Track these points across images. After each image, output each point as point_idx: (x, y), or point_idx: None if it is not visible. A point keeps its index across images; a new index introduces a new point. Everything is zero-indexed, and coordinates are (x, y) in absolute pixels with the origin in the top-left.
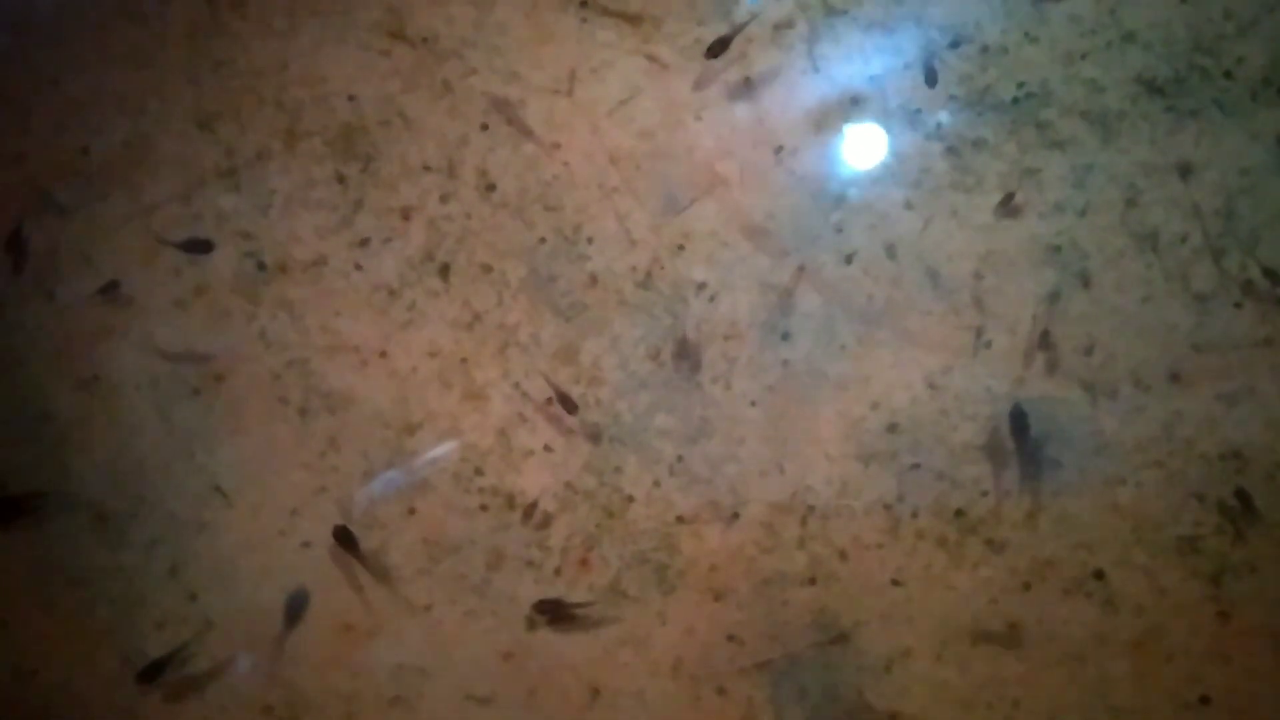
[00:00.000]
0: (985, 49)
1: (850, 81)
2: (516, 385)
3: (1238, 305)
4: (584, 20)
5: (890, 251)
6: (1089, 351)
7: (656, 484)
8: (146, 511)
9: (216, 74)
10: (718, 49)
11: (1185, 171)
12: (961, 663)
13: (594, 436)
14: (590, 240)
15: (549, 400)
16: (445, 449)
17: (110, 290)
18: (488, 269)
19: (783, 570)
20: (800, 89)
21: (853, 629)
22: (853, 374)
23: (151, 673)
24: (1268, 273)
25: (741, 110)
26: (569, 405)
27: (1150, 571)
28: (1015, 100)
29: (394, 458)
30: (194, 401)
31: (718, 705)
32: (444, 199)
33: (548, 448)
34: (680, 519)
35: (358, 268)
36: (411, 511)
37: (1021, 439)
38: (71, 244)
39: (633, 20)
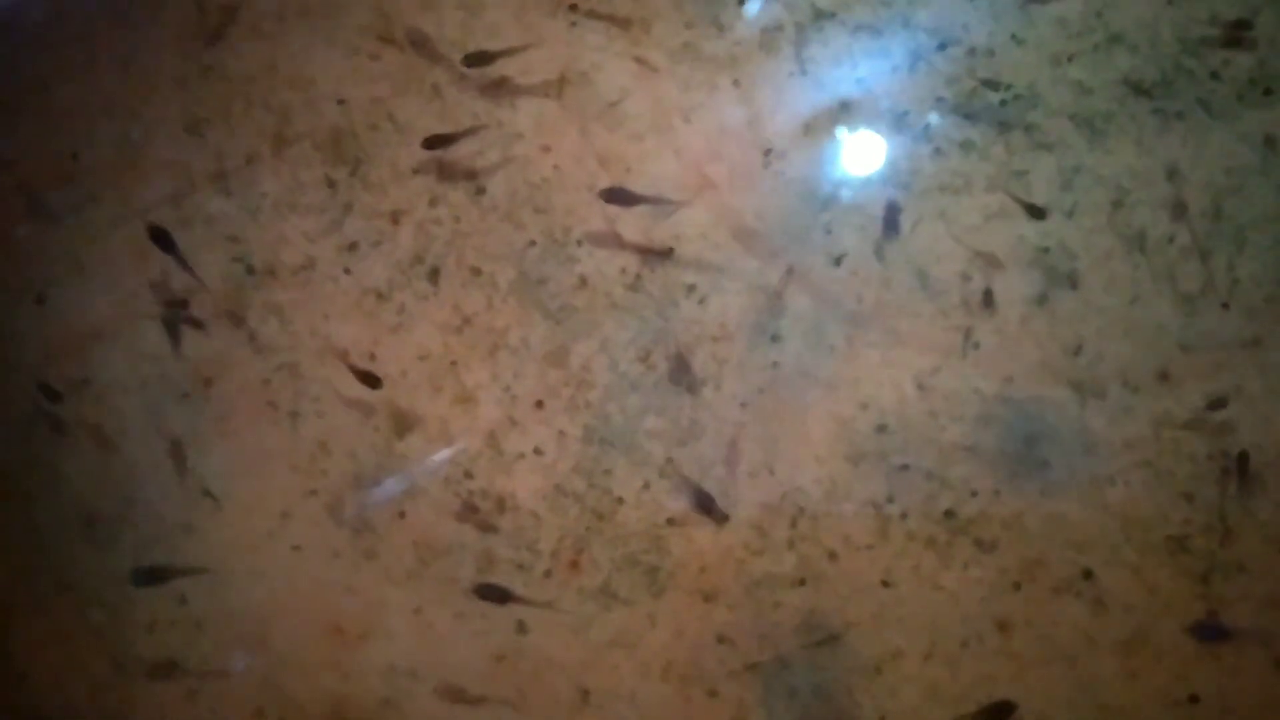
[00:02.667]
0: (972, 51)
1: (838, 84)
2: (506, 388)
3: (1225, 306)
4: (573, 24)
5: (879, 253)
6: (1077, 352)
7: (646, 486)
8: (136, 514)
9: (205, 78)
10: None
11: (1172, 173)
12: (951, 663)
13: (726, 514)
14: (580, 243)
15: (539, 403)
16: (444, 455)
17: (99, 294)
18: (477, 272)
19: (772, 572)
20: (788, 92)
21: (843, 630)
22: (842, 375)
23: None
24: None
25: (730, 113)
26: (707, 505)
27: (1139, 571)
28: (1002, 102)
29: (384, 461)
30: (183, 405)
31: (708, 707)
32: (433, 202)
33: (537, 450)
34: (670, 521)
35: (347, 271)
36: (401, 515)
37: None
38: (62, 248)
39: (622, 23)
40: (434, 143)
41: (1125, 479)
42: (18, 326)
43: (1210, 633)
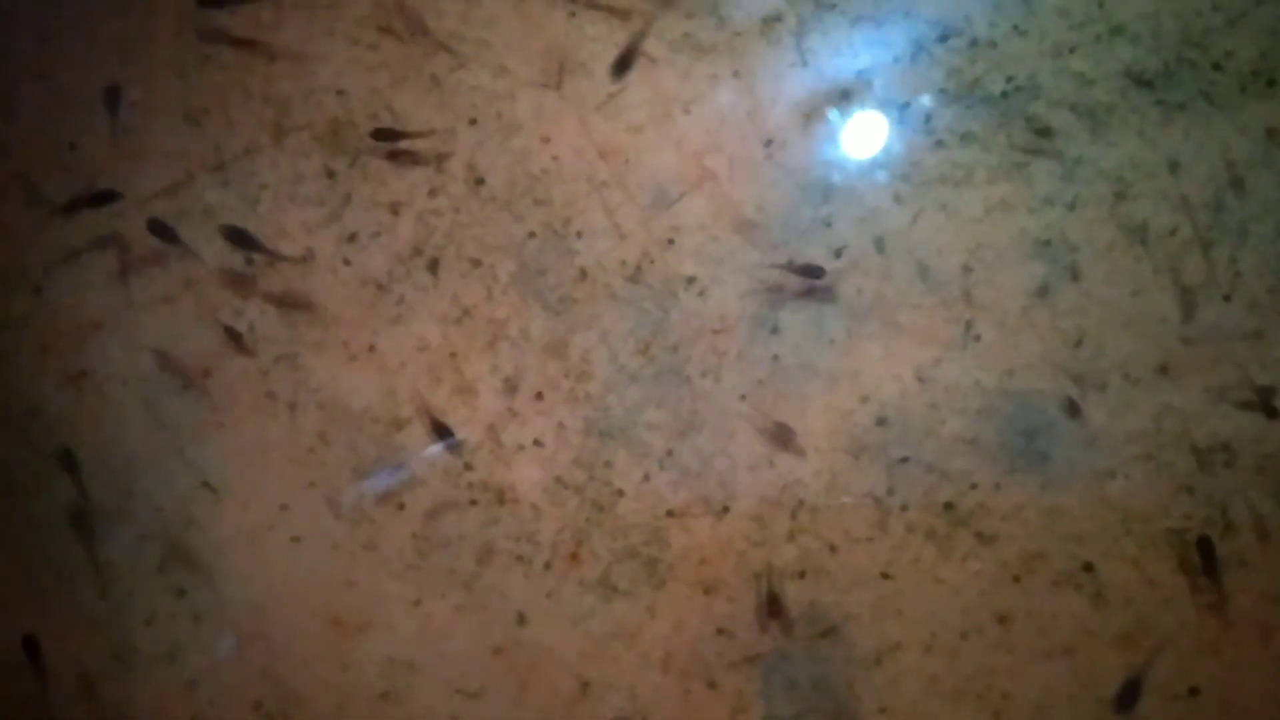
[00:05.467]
0: (974, 42)
1: (839, 75)
2: (506, 380)
3: (1226, 298)
4: (572, 14)
5: (879, 245)
6: (1078, 344)
7: (646, 478)
8: (134, 507)
9: (204, 68)
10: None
11: (1174, 164)
12: (951, 655)
13: None
14: (579, 234)
15: (539, 395)
16: (439, 447)
17: (98, 285)
18: (477, 263)
19: (772, 563)
20: (789, 82)
21: (842, 622)
22: (842, 368)
23: None
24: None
25: (730, 104)
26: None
27: (1140, 564)
28: (1004, 94)
29: (383, 453)
30: (182, 396)
31: (708, 698)
32: (432, 193)
33: (537, 442)
34: (670, 513)
35: (346, 262)
36: (401, 506)
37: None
38: (59, 238)
39: (621, 14)
40: (383, 135)
41: (1126, 472)
42: (15, 317)
43: (1129, 700)
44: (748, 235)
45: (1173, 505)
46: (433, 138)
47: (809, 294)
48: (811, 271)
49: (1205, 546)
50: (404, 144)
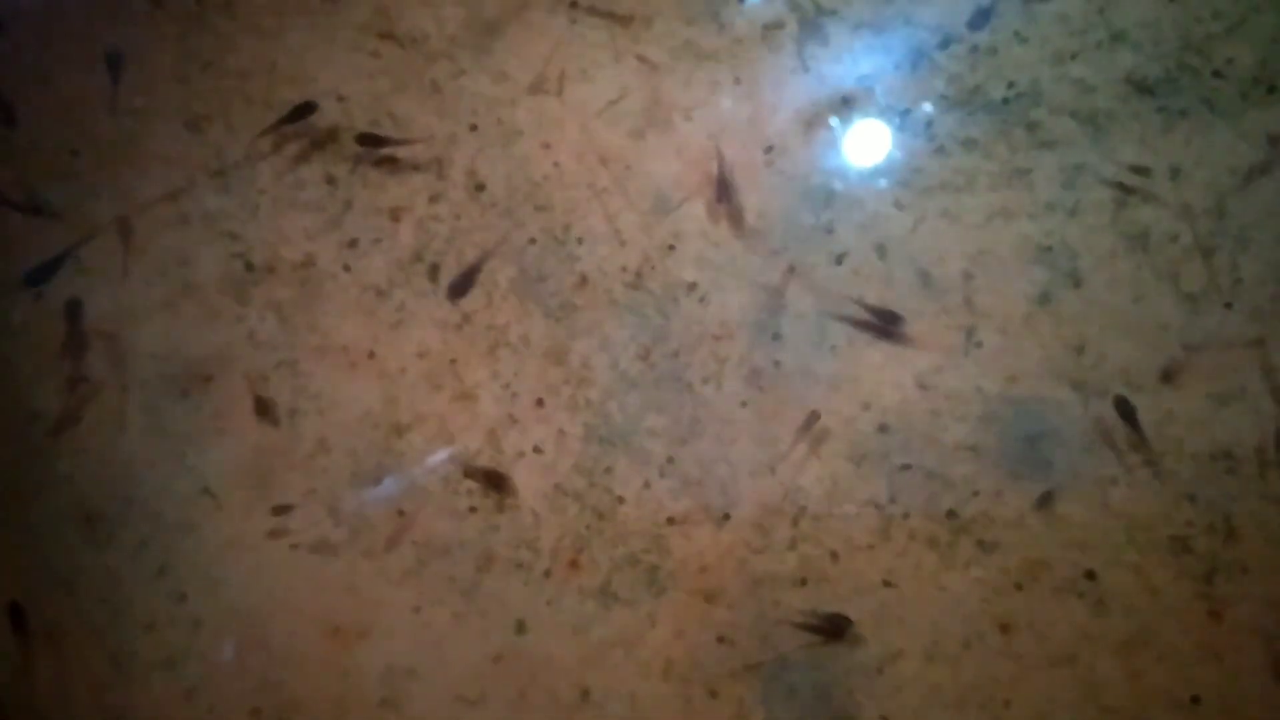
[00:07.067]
0: (975, 49)
1: (840, 81)
2: (506, 386)
3: (1228, 305)
4: (573, 21)
5: (880, 251)
6: (1080, 351)
7: (647, 485)
8: (135, 513)
9: (205, 74)
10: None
11: (1175, 171)
12: (953, 663)
13: None
14: (580, 240)
15: (539, 401)
16: (442, 456)
17: (99, 291)
18: (477, 269)
19: (774, 571)
20: (790, 89)
21: (844, 630)
22: (843, 374)
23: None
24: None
25: (731, 110)
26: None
27: (1141, 571)
28: (1005, 100)
29: (383, 459)
30: (182, 402)
31: (708, 707)
32: (433, 199)
33: (537, 449)
34: (671, 520)
35: (346, 268)
36: (400, 513)
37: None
38: (61, 245)
39: (622, 20)
40: (383, 141)
41: (1128, 479)
42: (16, 323)
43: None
44: (749, 241)
45: (1174, 512)
46: (433, 144)
47: (809, 300)
48: (889, 318)
49: (1123, 406)
50: (404, 150)
